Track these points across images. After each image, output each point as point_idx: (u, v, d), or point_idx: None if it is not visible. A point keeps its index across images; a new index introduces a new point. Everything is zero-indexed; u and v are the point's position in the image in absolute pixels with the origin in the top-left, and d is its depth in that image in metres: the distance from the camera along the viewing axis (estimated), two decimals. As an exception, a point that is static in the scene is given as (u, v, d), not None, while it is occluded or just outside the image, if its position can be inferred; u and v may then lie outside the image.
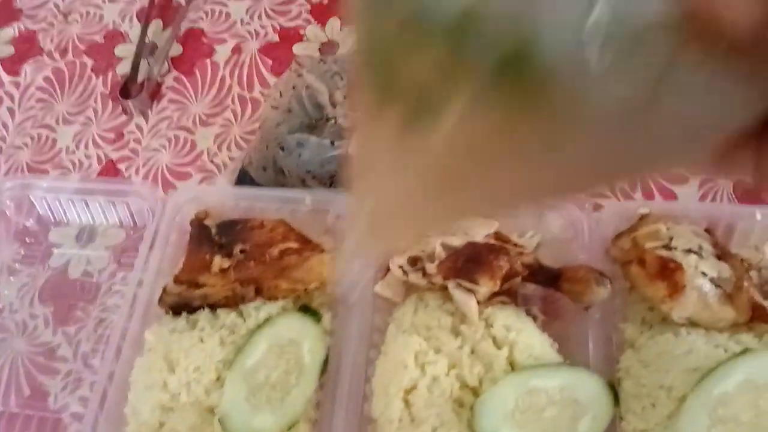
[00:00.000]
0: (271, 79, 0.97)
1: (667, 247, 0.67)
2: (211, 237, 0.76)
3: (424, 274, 0.69)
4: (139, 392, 0.68)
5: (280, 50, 0.98)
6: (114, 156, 0.95)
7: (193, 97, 0.98)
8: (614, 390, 0.63)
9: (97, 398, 0.72)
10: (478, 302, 0.67)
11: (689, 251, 0.67)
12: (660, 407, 0.61)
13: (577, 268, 0.67)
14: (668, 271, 0.65)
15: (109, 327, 0.82)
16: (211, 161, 0.92)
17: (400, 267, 0.70)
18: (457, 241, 0.71)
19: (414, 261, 0.70)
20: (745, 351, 0.61)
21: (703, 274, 0.65)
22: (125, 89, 0.98)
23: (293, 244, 0.74)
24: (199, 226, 0.78)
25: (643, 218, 0.71)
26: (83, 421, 0.72)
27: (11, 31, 1.11)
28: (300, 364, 0.68)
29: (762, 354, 0.61)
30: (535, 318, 0.70)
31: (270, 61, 0.99)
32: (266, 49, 1.00)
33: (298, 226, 0.78)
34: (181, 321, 0.72)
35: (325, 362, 0.69)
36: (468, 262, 0.67)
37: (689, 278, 0.65)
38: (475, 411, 0.60)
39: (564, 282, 0.66)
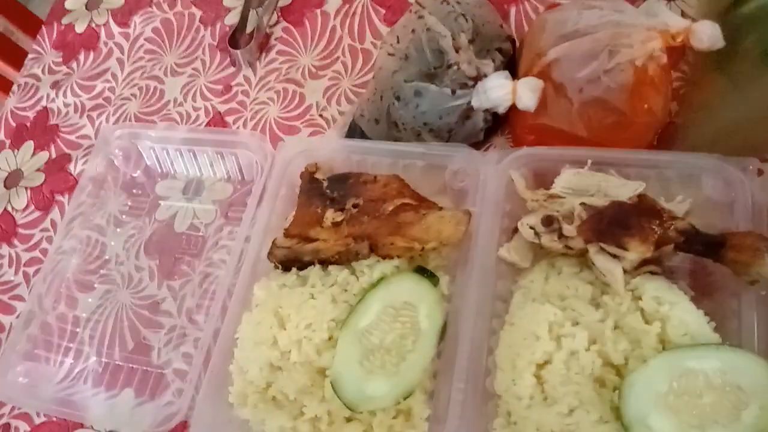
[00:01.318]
0: (384, 30, 0.90)
1: None
2: (322, 190, 0.71)
3: (560, 236, 0.61)
4: (247, 349, 0.64)
5: (393, 0, 0.92)
6: (221, 108, 0.92)
7: (303, 49, 0.93)
8: (788, 379, 0.53)
9: (201, 355, 0.70)
10: (625, 271, 0.58)
11: None
12: None
13: (744, 235, 0.57)
14: None
15: (214, 282, 0.79)
16: (320, 115, 0.87)
17: (532, 228, 0.62)
18: (598, 202, 0.63)
19: (549, 221, 0.62)
20: None
21: None
22: (233, 39, 0.94)
23: (409, 201, 0.68)
24: (309, 179, 0.73)
25: (824, 181, 0.60)
26: (186, 379, 0.70)
27: (122, -18, 1.10)
28: (416, 328, 0.62)
29: None
30: (686, 293, 0.61)
31: (383, 11, 0.92)
32: (379, -1, 0.94)
33: (412, 183, 0.72)
34: (291, 276, 0.67)
35: (443, 329, 0.63)
36: (614, 225, 0.59)
37: None
38: (623, 392, 0.52)
39: (728, 250, 0.57)
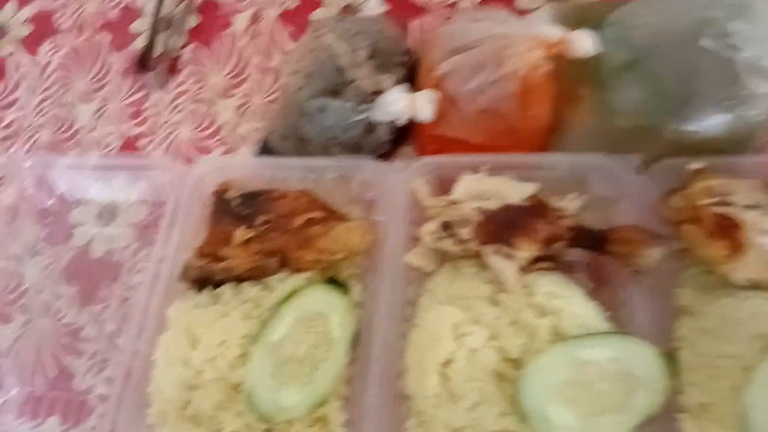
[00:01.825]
0: (291, 47, 0.93)
1: (724, 203, 0.61)
2: (232, 209, 0.72)
3: (458, 240, 0.64)
4: (163, 370, 0.65)
5: (299, 17, 0.94)
6: (134, 132, 0.93)
7: (212, 69, 0.94)
8: (672, 361, 0.57)
9: (121, 378, 0.70)
10: (520, 269, 0.62)
11: (749, 207, 0.61)
12: (725, 378, 0.55)
13: (625, 229, 0.61)
14: (727, 229, 0.59)
15: (133, 306, 0.79)
16: (232, 134, 0.88)
17: (432, 233, 0.65)
18: (492, 205, 0.66)
19: (446, 226, 0.65)
20: (817, 313, 0.55)
21: (766, 231, 0.59)
22: (142, 63, 0.95)
23: (318, 214, 0.70)
24: (220, 198, 0.74)
25: (695, 174, 0.64)
26: (107, 403, 0.70)
27: (28, 11, 1.08)
28: (329, 337, 0.64)
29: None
30: (581, 286, 0.65)
31: (290, 29, 0.94)
32: (285, 17, 0.95)
33: (323, 195, 0.74)
34: (204, 296, 0.68)
35: (356, 336, 0.65)
36: (504, 226, 0.62)
37: (750, 236, 0.59)
38: (520, 385, 0.55)
39: (612, 244, 0.61)
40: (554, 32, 0.70)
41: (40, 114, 0.98)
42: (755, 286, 0.59)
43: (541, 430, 0.55)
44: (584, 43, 0.68)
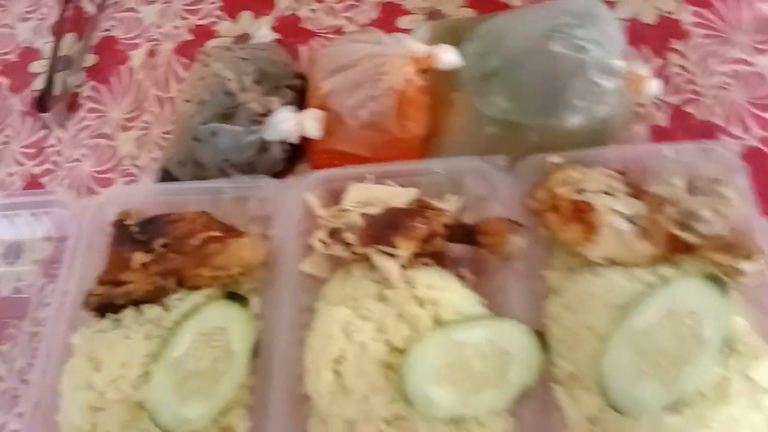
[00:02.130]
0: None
1: (580, 190, 0.68)
2: (131, 235, 0.75)
3: (346, 245, 0.69)
4: (68, 396, 0.67)
5: (194, 49, 0.97)
6: (36, 171, 0.94)
7: (111, 104, 0.97)
8: (542, 337, 0.63)
9: (31, 411, 0.71)
10: (403, 266, 0.66)
11: (601, 192, 0.67)
12: (586, 347, 0.61)
13: (492, 221, 0.67)
14: (581, 213, 0.65)
15: (42, 341, 0.80)
16: (134, 164, 0.91)
17: (321, 240, 0.70)
18: (376, 211, 0.71)
19: (333, 233, 0.69)
20: (664, 282, 0.61)
21: (617, 212, 0.66)
22: (41, 103, 0.96)
23: (215, 233, 0.73)
24: (119, 226, 0.76)
25: (554, 167, 0.71)
26: (19, 437, 0.71)
27: None
28: (229, 350, 0.67)
29: (680, 282, 0.61)
30: (465, 279, 0.70)
31: (185, 60, 0.98)
32: (181, 49, 0.99)
33: (222, 216, 0.77)
34: (107, 321, 0.70)
35: (256, 346, 0.68)
36: (386, 228, 0.67)
37: (603, 218, 0.65)
38: (402, 371, 0.60)
39: (482, 235, 0.66)
40: (421, 48, 0.76)
41: (-60, 160, 0.98)
42: (611, 262, 0.65)
43: (425, 411, 0.59)
44: (447, 56, 0.74)
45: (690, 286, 0.60)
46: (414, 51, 0.75)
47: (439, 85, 0.79)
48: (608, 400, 0.58)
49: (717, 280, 0.60)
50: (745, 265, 0.62)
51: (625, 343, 0.58)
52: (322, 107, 0.79)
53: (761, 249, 0.63)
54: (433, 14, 0.94)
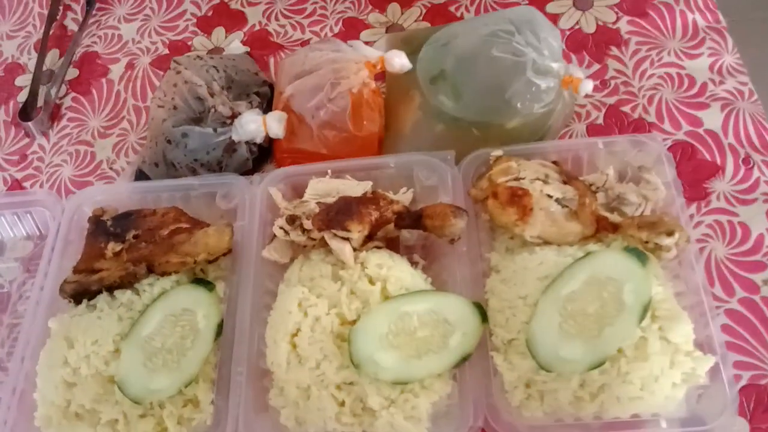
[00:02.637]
0: (164, 88, 1.02)
1: (517, 179, 0.74)
2: (107, 229, 0.80)
3: (303, 230, 0.74)
4: (44, 374, 0.71)
5: (169, 62, 1.04)
6: (19, 176, 0.99)
7: (91, 114, 1.03)
8: (481, 308, 0.68)
9: (9, 396, 0.75)
10: (354, 249, 0.72)
11: (535, 179, 0.74)
12: (520, 315, 0.67)
13: (435, 206, 0.73)
14: (517, 198, 0.72)
15: (21, 331, 0.85)
16: (111, 168, 0.97)
17: (281, 227, 0.75)
18: (332, 201, 0.77)
19: (292, 219, 0.75)
20: (588, 254, 0.67)
21: (549, 196, 0.72)
22: (24, 113, 1.02)
23: (183, 225, 0.79)
24: (95, 221, 0.82)
25: (496, 160, 0.77)
26: (-1, 421, 0.75)
27: None
28: (195, 329, 0.72)
29: (603, 253, 0.67)
30: (417, 263, 0.76)
31: (161, 72, 1.04)
32: (157, 62, 1.06)
33: (192, 211, 0.83)
34: (81, 307, 0.75)
35: (220, 326, 0.73)
36: (339, 213, 0.73)
37: (536, 201, 0.72)
38: (350, 339, 0.65)
39: (426, 219, 0.72)
40: (374, 54, 0.83)
41: (-73, 168, 1.03)
42: (544, 242, 0.71)
43: (371, 374, 0.64)
44: (396, 60, 0.81)
45: (612, 256, 0.66)
46: (368, 56, 0.82)
47: (394, 88, 0.86)
48: (537, 360, 0.63)
49: (637, 252, 0.66)
50: (667, 240, 0.68)
51: (551, 308, 0.64)
52: (286, 110, 0.85)
53: (681, 227, 0.70)
54: (391, 28, 1.02)
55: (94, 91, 1.05)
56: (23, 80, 1.10)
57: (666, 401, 0.63)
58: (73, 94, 1.06)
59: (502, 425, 0.65)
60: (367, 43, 0.99)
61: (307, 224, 0.74)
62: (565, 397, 0.64)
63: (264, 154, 0.91)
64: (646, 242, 0.69)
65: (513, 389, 0.66)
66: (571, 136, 0.87)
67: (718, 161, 0.83)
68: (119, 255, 0.77)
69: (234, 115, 0.86)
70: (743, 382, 0.69)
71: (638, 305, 0.63)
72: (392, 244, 0.77)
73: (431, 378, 0.66)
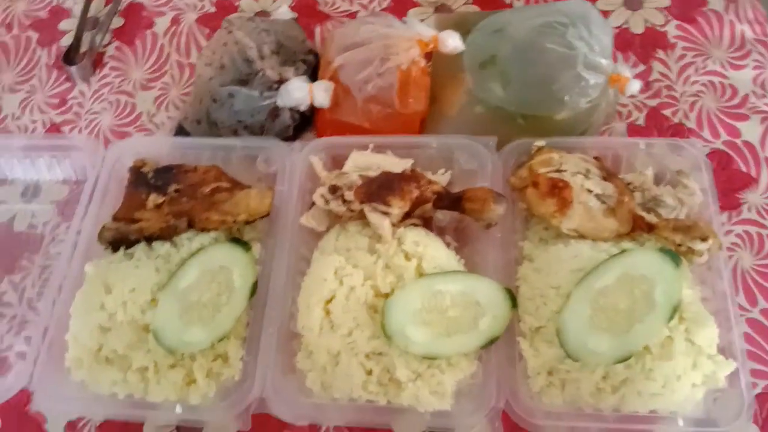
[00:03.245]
0: (208, 47, 1.03)
1: (558, 171, 0.75)
2: (147, 180, 0.82)
3: (343, 201, 0.76)
4: (79, 317, 0.73)
5: (216, 20, 1.05)
6: (58, 120, 1.00)
7: (134, 64, 1.04)
8: (511, 294, 0.70)
9: (40, 335, 0.76)
10: (392, 224, 0.73)
11: (577, 173, 0.75)
12: (550, 304, 0.68)
13: (476, 189, 0.74)
14: (557, 189, 0.73)
15: (53, 273, 0.86)
16: (151, 121, 0.98)
17: (322, 196, 0.77)
18: (374, 174, 0.78)
19: (334, 189, 0.76)
20: (624, 251, 0.69)
21: (589, 191, 0.74)
22: (68, 58, 1.03)
23: (224, 184, 0.80)
24: (136, 172, 0.83)
25: (538, 150, 0.78)
26: (27, 357, 0.76)
27: (-44, 8, 1.15)
28: (230, 287, 0.73)
29: (638, 251, 0.69)
30: (449, 245, 0.77)
31: (207, 30, 1.05)
32: (203, 20, 1.06)
33: (231, 172, 0.84)
34: (119, 254, 0.77)
35: (254, 286, 0.75)
36: (381, 188, 0.74)
37: (576, 194, 0.73)
38: (384, 310, 0.67)
39: (465, 202, 0.73)
40: (428, 32, 0.83)
41: (-34, 102, 1.04)
42: (580, 235, 0.73)
43: (402, 346, 0.66)
44: (450, 41, 0.82)
45: (646, 255, 0.68)
46: (421, 34, 0.83)
47: (441, 69, 0.86)
48: (565, 348, 0.65)
49: (672, 254, 0.67)
50: (700, 245, 0.70)
51: (583, 300, 0.66)
52: (333, 80, 0.86)
53: (715, 233, 0.71)
54: (440, 8, 1.02)
55: (138, 42, 1.06)
56: (67, 24, 1.10)
57: (684, 400, 0.65)
58: (117, 44, 1.06)
59: (521, 408, 0.67)
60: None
61: (349, 195, 0.75)
62: (586, 388, 0.66)
63: (304, 123, 0.92)
64: (679, 245, 0.70)
65: (535, 375, 0.68)
66: (610, 134, 0.88)
67: (753, 173, 0.84)
68: (160, 207, 0.78)
69: (281, 81, 0.87)
70: (758, 390, 0.71)
71: (668, 305, 0.65)
72: (426, 224, 0.78)
73: (458, 356, 0.68)
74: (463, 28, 0.89)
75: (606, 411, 0.67)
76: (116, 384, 0.71)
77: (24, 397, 0.78)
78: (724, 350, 0.67)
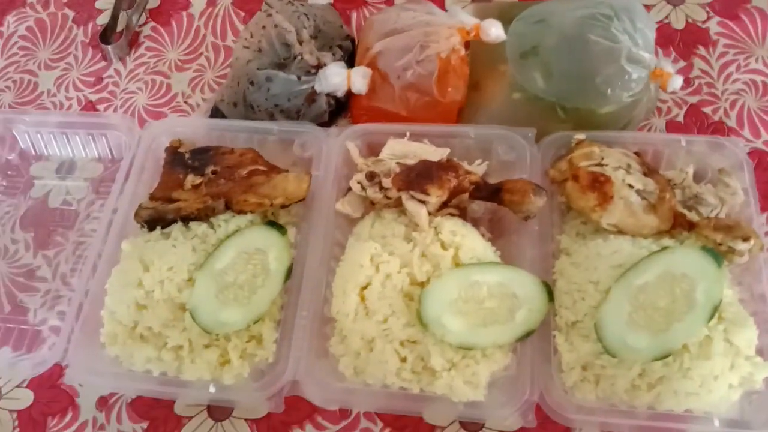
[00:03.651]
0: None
1: (599, 165, 0.75)
2: (184, 161, 0.82)
3: (380, 188, 0.76)
4: (116, 293, 0.73)
5: (251, 3, 1.04)
6: (93, 98, 1.01)
7: (169, 45, 1.04)
8: (549, 288, 0.69)
9: (74, 310, 0.77)
10: (429, 213, 0.73)
11: (618, 168, 0.74)
12: (588, 299, 0.68)
13: (515, 181, 0.73)
14: (598, 184, 0.72)
15: (87, 249, 0.87)
16: (186, 102, 0.98)
17: (359, 183, 0.76)
18: (411, 162, 0.78)
19: (371, 176, 0.76)
20: (666, 248, 0.68)
21: (630, 186, 0.73)
22: (105, 37, 1.03)
23: (261, 167, 0.80)
24: (173, 152, 0.83)
25: (578, 143, 0.78)
26: (60, 332, 0.77)
27: (-6, -15, 1.15)
28: (266, 269, 0.74)
29: (680, 249, 0.68)
30: (483, 236, 0.77)
31: (243, 14, 1.05)
32: (239, 3, 1.06)
33: (267, 156, 0.84)
34: (156, 233, 0.77)
35: (290, 270, 0.75)
36: (419, 176, 0.74)
37: (617, 189, 0.72)
38: (422, 299, 0.67)
39: (504, 193, 0.73)
40: (470, 20, 0.82)
41: (4, 78, 1.04)
42: (619, 231, 0.72)
43: (438, 335, 0.66)
44: (493, 30, 0.81)
45: (688, 254, 0.67)
46: (464, 22, 0.82)
47: (481, 58, 0.86)
48: (604, 344, 0.65)
49: (714, 253, 0.67)
50: (742, 245, 0.69)
51: (623, 297, 0.65)
52: (370, 67, 0.86)
53: (757, 234, 0.70)
54: (478, -3, 1.01)
55: (173, 23, 1.06)
56: (103, 3, 1.10)
57: (720, 401, 0.65)
58: (153, 24, 1.06)
59: (554, 402, 0.67)
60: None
61: (386, 182, 0.75)
62: (622, 384, 0.65)
63: (340, 108, 0.92)
64: (720, 244, 0.69)
65: (569, 370, 0.68)
66: (649, 130, 0.87)
67: (794, 175, 0.83)
68: (198, 188, 0.78)
69: (319, 66, 0.86)
70: (794, 394, 0.71)
71: (709, 305, 0.64)
72: (461, 215, 0.78)
73: (493, 348, 0.68)
74: (503, 17, 0.89)
75: (640, 408, 0.66)
76: (150, 361, 0.72)
77: (57, 371, 0.79)
78: (762, 352, 0.67)
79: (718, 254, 0.67)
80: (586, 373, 0.68)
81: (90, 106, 1.00)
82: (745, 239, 0.69)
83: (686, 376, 0.63)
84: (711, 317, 0.64)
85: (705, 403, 0.65)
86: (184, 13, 1.07)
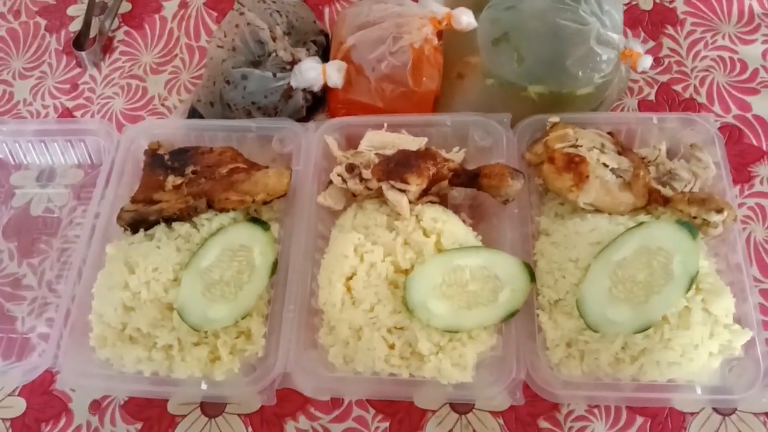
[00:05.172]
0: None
1: (574, 146, 0.76)
2: (164, 162, 0.82)
3: (361, 179, 0.76)
4: (102, 296, 0.74)
5: (224, 3, 1.05)
6: (70, 105, 1.01)
7: (144, 49, 1.04)
8: (530, 268, 0.71)
9: (62, 316, 0.77)
10: (410, 201, 0.74)
11: (592, 148, 0.76)
12: (569, 277, 0.69)
13: (493, 166, 0.75)
14: (573, 164, 0.74)
15: (72, 255, 0.87)
16: (162, 104, 0.98)
17: (339, 175, 0.77)
18: (390, 153, 0.79)
19: (351, 168, 0.77)
20: (642, 224, 0.70)
21: (605, 165, 0.74)
22: (78, 43, 1.03)
23: (241, 165, 0.81)
24: (152, 154, 0.84)
25: (553, 126, 0.79)
26: (49, 339, 0.77)
27: (-37, -4, 1.15)
28: (251, 265, 0.74)
29: (655, 224, 0.70)
30: (464, 222, 0.78)
31: (215, 14, 1.05)
32: (212, 2, 1.06)
33: (246, 153, 0.85)
34: (139, 235, 0.77)
35: (275, 264, 0.76)
36: (399, 166, 0.75)
37: (592, 169, 0.74)
38: (406, 285, 0.68)
39: (483, 178, 0.74)
40: (441, 9, 0.83)
41: (-23, 90, 1.04)
42: (596, 209, 0.74)
43: (424, 320, 0.67)
44: (464, 18, 0.82)
45: (664, 227, 0.69)
46: (435, 12, 0.83)
47: (453, 47, 0.87)
48: (585, 320, 0.66)
49: (689, 226, 0.68)
50: (716, 217, 0.71)
51: (602, 273, 0.67)
52: (345, 61, 0.86)
53: (730, 205, 0.72)
54: (448, -13, 1.02)
55: (147, 27, 1.06)
56: (75, 10, 1.10)
57: (702, 369, 0.67)
58: (126, 28, 1.06)
59: (540, 379, 0.68)
60: None
61: (366, 174, 0.76)
62: (605, 358, 0.67)
63: (317, 103, 0.92)
64: (695, 217, 0.71)
65: (554, 347, 0.69)
66: (622, 110, 0.89)
67: (764, 146, 0.85)
68: (179, 188, 0.79)
69: (294, 62, 0.87)
70: (772, 359, 0.73)
71: (686, 276, 0.66)
72: (441, 202, 0.79)
73: (479, 329, 0.69)
74: (475, 6, 0.90)
75: (624, 380, 0.68)
76: (141, 362, 0.72)
77: (48, 377, 0.79)
78: (740, 320, 0.69)
79: (693, 227, 0.69)
80: (571, 350, 0.69)
81: (67, 113, 1.00)
82: (719, 211, 0.71)
83: (667, 346, 0.65)
84: (688, 288, 0.66)
85: (687, 372, 0.66)
86: (157, 16, 1.07)
